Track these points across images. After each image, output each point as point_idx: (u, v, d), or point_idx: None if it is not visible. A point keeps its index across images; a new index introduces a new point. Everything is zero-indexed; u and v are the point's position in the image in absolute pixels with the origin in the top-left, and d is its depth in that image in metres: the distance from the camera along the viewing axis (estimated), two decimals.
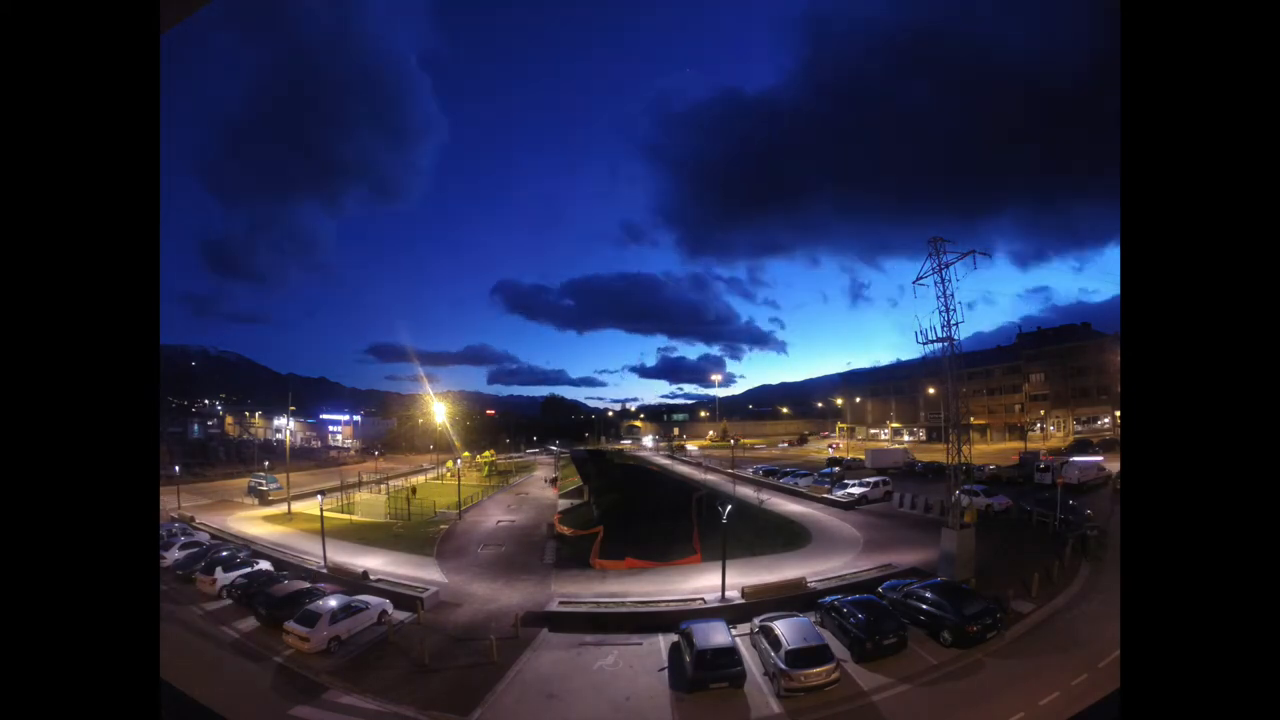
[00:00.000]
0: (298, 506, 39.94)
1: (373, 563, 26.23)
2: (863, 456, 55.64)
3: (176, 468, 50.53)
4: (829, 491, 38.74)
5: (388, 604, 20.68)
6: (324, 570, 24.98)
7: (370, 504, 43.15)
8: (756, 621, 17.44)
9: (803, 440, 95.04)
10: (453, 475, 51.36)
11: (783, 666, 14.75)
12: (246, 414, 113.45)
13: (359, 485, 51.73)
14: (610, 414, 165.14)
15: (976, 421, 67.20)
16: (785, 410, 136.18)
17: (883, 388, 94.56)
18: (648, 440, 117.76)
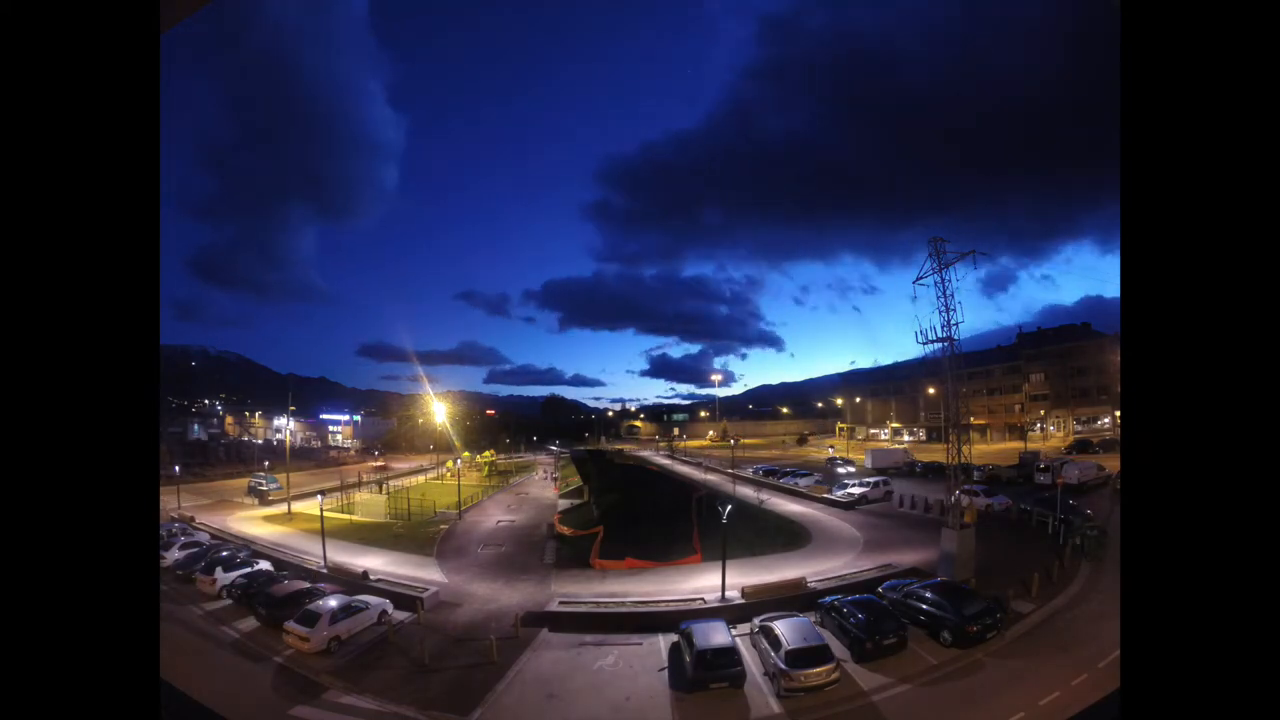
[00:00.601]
0: (298, 506, 39.92)
1: (373, 563, 26.23)
2: (856, 457, 55.65)
3: (176, 468, 50.53)
4: (829, 491, 38.77)
5: (388, 604, 20.68)
6: (324, 570, 24.98)
7: (370, 504, 43.16)
8: (756, 621, 17.44)
9: (803, 440, 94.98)
10: (453, 475, 51.38)
11: (783, 666, 14.75)
12: (246, 414, 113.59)
13: (359, 485, 51.76)
14: (610, 414, 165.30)
15: (976, 421, 67.18)
16: (785, 410, 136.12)
17: (883, 388, 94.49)
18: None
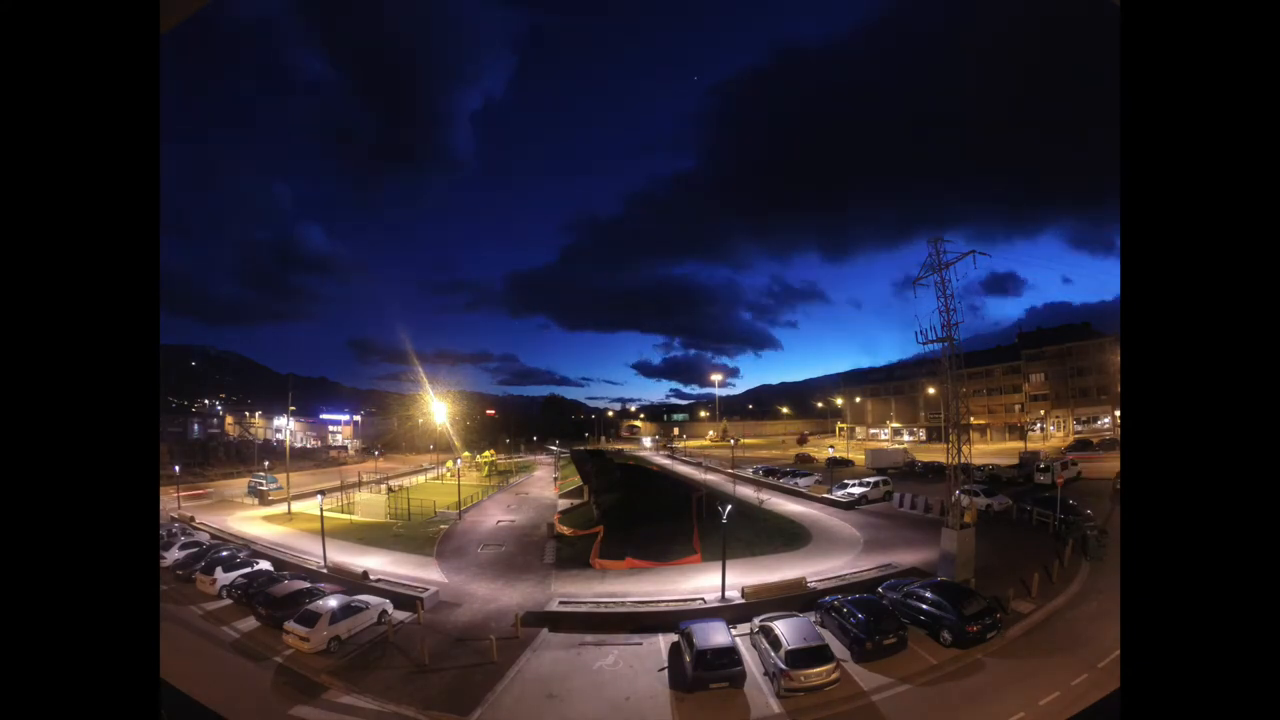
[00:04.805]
0: (298, 506, 39.94)
1: (373, 563, 26.23)
2: (856, 457, 55.64)
3: (176, 468, 50.53)
4: (829, 491, 38.79)
5: (388, 604, 20.68)
6: (324, 570, 24.99)
7: (370, 504, 43.17)
8: (756, 621, 17.44)
9: (803, 440, 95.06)
10: (453, 475, 51.40)
11: (783, 666, 14.75)
12: (246, 414, 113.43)
13: (359, 485, 51.77)
14: (610, 414, 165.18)
15: (976, 421, 67.22)
16: (785, 410, 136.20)
17: (883, 388, 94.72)
18: (647, 441, 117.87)
